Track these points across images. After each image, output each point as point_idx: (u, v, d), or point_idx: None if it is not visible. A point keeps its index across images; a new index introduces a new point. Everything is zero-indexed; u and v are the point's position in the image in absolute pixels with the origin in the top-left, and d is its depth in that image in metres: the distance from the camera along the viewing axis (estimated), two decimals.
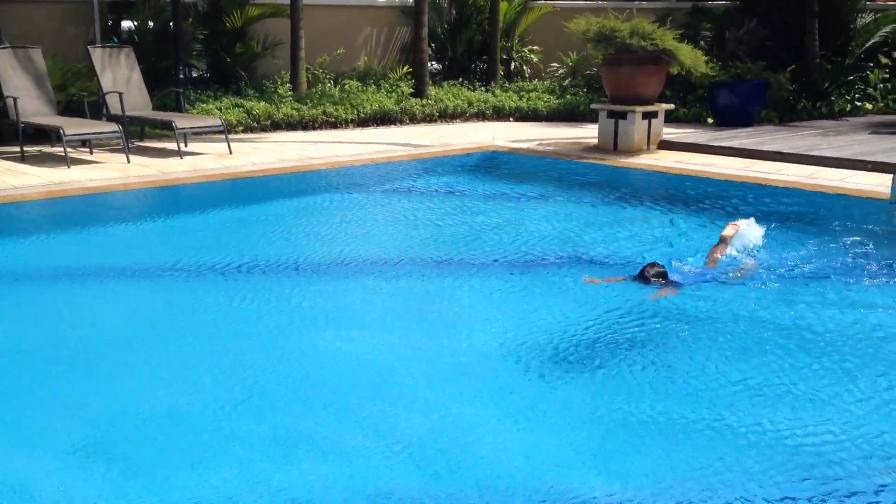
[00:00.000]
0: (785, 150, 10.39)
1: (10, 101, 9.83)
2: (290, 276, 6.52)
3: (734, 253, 6.59)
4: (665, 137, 11.53)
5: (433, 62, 16.88)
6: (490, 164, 10.90)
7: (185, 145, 10.91)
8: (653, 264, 6.17)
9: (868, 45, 14.72)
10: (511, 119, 14.86)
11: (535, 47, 17.02)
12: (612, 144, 11.26)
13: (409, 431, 4.11)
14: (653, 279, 6.02)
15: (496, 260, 6.94)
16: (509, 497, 3.55)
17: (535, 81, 16.49)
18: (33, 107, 10.14)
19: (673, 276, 6.13)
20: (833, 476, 3.68)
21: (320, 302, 6.03)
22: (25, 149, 9.96)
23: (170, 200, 8.68)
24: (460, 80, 16.07)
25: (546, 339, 5.18)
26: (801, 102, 13.96)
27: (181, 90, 11.84)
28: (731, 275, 6.25)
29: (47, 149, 10.41)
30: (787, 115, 13.77)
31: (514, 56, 16.96)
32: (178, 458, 3.83)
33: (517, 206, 9.03)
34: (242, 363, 4.89)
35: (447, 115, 14.58)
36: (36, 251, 7.21)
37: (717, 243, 6.63)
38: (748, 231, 6.81)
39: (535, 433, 4.12)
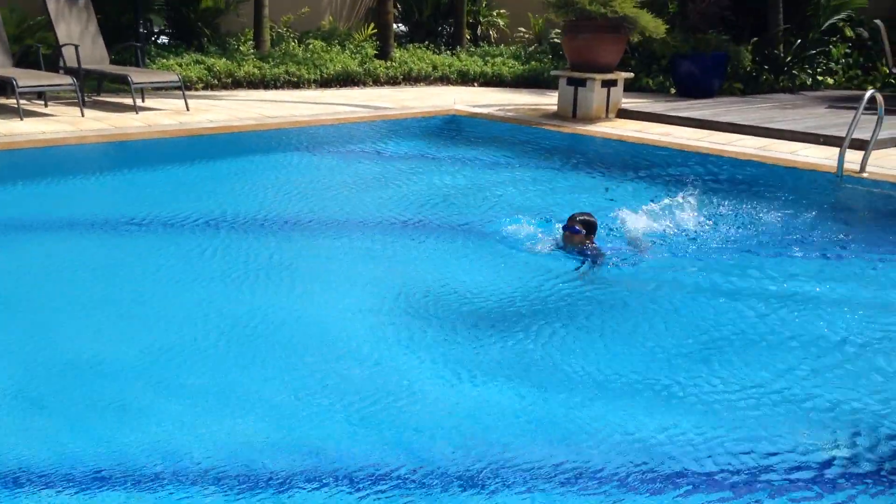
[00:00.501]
0: (739, 122, 10.49)
1: None
2: (234, 233, 6.55)
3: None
4: (624, 106, 11.59)
5: (399, 24, 16.82)
6: (448, 129, 10.93)
7: (143, 101, 10.83)
8: (583, 213, 6.12)
9: (832, 20, 14.82)
10: (475, 84, 14.85)
11: (502, 11, 16.98)
12: (572, 112, 11.31)
13: (342, 386, 4.18)
14: (573, 223, 5.98)
15: (440, 224, 7.00)
16: (433, 445, 3.64)
17: (502, 47, 16.47)
18: None
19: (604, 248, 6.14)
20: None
21: (263, 258, 6.06)
22: None
23: (121, 155, 8.63)
24: (426, 43, 16.03)
25: (480, 301, 5.26)
26: (764, 75, 14.06)
27: (140, 45, 11.71)
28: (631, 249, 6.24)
29: (2, 101, 10.29)
30: (748, 88, 13.88)
31: (481, 20, 16.92)
32: (106, 406, 3.88)
33: (470, 170, 9.09)
34: (180, 315, 4.93)
35: (411, 79, 14.55)
36: None
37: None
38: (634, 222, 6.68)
39: (464, 389, 4.21)
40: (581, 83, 11.18)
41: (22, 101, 9.58)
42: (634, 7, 10.96)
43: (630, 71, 12.52)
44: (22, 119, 9.16)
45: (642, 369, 4.40)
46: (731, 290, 5.58)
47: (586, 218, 6.09)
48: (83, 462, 3.43)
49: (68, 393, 4.02)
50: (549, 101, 12.50)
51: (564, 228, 6.06)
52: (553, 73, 12.06)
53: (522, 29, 16.69)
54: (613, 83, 11.33)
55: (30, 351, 4.43)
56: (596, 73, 11.07)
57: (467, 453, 3.60)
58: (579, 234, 6.00)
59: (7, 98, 10.20)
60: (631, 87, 13.43)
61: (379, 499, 3.27)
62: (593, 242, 6.09)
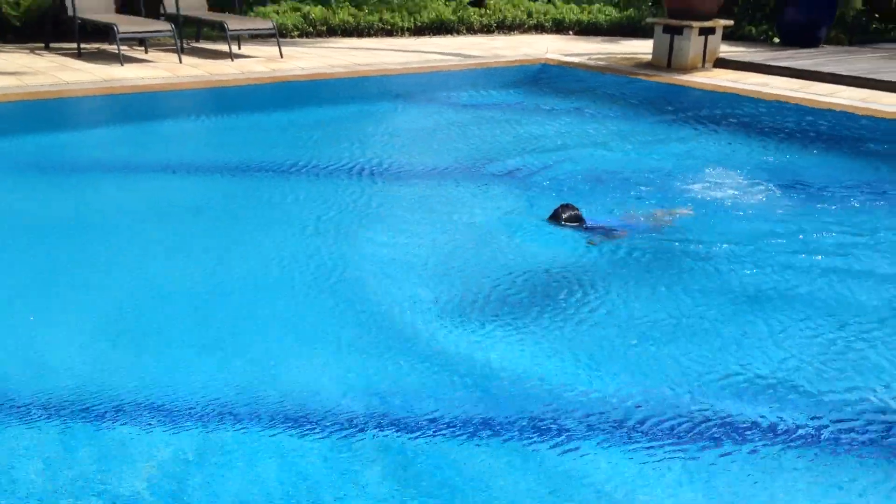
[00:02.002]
0: (841, 73, 10.07)
1: None
2: (321, 178, 6.69)
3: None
4: (722, 55, 11.25)
5: None
6: (537, 78, 10.82)
7: (239, 48, 11.04)
8: (566, 206, 5.79)
9: None
10: (571, 32, 14.63)
11: None
12: (667, 61, 11.04)
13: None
14: (565, 222, 5.68)
15: (510, 172, 7.00)
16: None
17: None
18: (91, 3, 10.33)
19: (606, 222, 5.85)
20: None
21: (348, 205, 6.17)
22: (83, 45, 10.20)
23: (215, 101, 8.87)
24: None
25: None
26: (874, 24, 13.43)
27: None
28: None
29: (104, 46, 10.64)
30: (857, 37, 13.28)
31: None
32: (201, 341, 4.08)
33: (555, 120, 9.01)
34: (268, 254, 5.09)
35: (505, 27, 14.42)
36: (81, 145, 7.51)
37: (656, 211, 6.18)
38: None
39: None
40: (678, 31, 10.89)
41: (122, 47, 9.89)
42: None
43: (733, 18, 12.11)
44: (122, 64, 9.47)
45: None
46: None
47: (573, 213, 5.76)
48: (174, 392, 3.62)
49: (165, 328, 4.22)
50: (643, 49, 12.22)
51: (558, 222, 5.73)
52: (648, 20, 11.77)
53: None
54: (711, 31, 10.99)
55: (129, 287, 4.65)
56: (694, 21, 10.75)
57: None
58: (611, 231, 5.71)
59: (109, 44, 10.55)
60: (732, 36, 13.03)
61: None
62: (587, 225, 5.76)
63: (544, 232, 5.62)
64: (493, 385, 3.78)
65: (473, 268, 5.07)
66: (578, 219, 5.73)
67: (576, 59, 11.49)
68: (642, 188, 6.61)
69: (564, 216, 5.72)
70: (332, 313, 4.44)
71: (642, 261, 5.24)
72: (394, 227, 5.71)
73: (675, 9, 10.93)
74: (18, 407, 3.48)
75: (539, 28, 14.60)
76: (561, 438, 3.41)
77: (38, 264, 4.89)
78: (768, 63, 10.79)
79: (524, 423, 3.49)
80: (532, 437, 3.41)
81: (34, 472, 3.09)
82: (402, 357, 3.98)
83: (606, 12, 14.74)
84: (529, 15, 14.61)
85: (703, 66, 10.99)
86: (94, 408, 3.49)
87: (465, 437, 3.40)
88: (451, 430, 3.44)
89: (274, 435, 3.36)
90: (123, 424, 3.39)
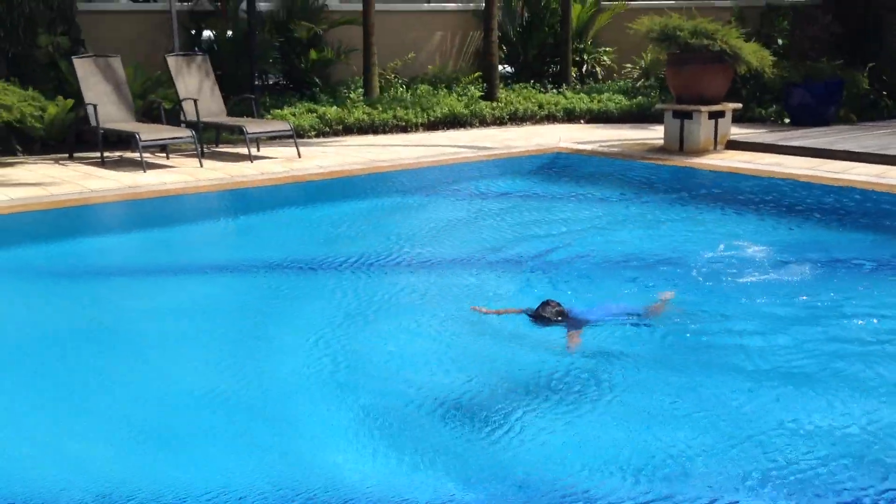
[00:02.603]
0: (854, 150, 10.16)
1: (90, 108, 10.34)
2: (345, 273, 6.76)
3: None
4: (734, 137, 11.39)
5: (505, 65, 17.01)
6: (551, 166, 10.96)
7: (258, 150, 11.28)
8: (548, 302, 5.58)
9: None
10: (582, 121, 14.85)
11: (608, 49, 16.97)
12: (678, 145, 11.18)
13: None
14: (552, 318, 5.48)
15: (516, 261, 7.04)
16: None
17: (609, 83, 16.44)
18: (112, 113, 10.64)
19: (591, 314, 5.62)
20: None
21: (373, 298, 6.20)
22: (106, 154, 10.45)
23: (236, 202, 9.03)
24: (532, 82, 16.14)
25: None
26: (883, 101, 13.58)
27: (254, 96, 12.23)
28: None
29: (127, 154, 10.90)
30: (866, 115, 13.41)
31: (587, 58, 16.94)
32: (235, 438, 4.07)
33: (572, 206, 9.09)
34: (297, 351, 5.11)
35: (517, 118, 14.67)
36: (108, 250, 7.63)
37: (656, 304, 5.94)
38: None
39: None
40: (687, 116, 11.06)
41: (145, 154, 10.13)
42: (739, 38, 10.79)
43: (740, 101, 12.30)
44: (145, 171, 9.69)
45: None
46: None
47: (557, 308, 5.56)
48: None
49: (190, 425, 4.21)
50: (655, 135, 12.39)
51: (543, 320, 5.51)
52: (658, 106, 11.97)
53: (629, 65, 16.62)
54: (721, 114, 11.15)
55: (159, 385, 4.67)
56: (702, 105, 10.93)
57: None
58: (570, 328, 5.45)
59: (131, 151, 10.80)
60: (741, 118, 13.19)
61: None
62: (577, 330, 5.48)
63: (530, 327, 5.51)
64: None
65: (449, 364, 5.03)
66: (563, 314, 5.51)
67: (588, 147, 11.65)
68: (658, 270, 6.62)
69: (548, 312, 5.50)
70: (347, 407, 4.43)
71: (620, 358, 5.01)
72: (394, 320, 5.72)
73: (683, 95, 11.12)
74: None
75: (550, 118, 14.84)
76: None
77: (64, 370, 4.92)
78: (781, 143, 10.90)
79: None
80: None
81: None
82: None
83: (616, 100, 14.98)
84: (540, 106, 14.87)
85: (715, 148, 11.11)
86: None
87: None
88: None
89: None
90: None
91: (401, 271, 6.86)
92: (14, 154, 10.76)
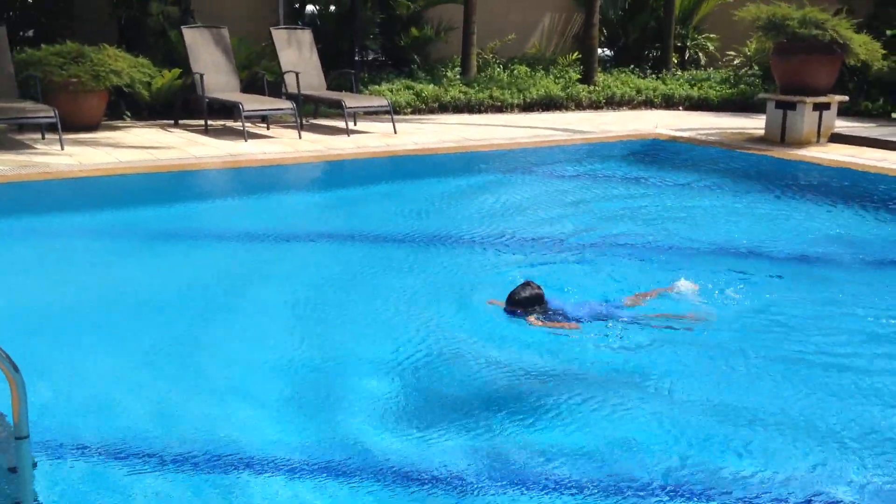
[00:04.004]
0: None
1: (196, 77, 10.66)
2: (431, 247, 6.86)
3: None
4: (838, 130, 11.07)
5: (605, 49, 16.84)
6: (646, 152, 10.85)
7: (354, 124, 11.46)
8: (527, 283, 5.25)
9: None
10: (680, 108, 14.62)
11: (711, 35, 16.64)
12: (780, 136, 10.93)
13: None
14: (515, 305, 5.17)
15: (622, 244, 7.00)
16: None
17: (710, 70, 16.13)
18: (218, 83, 10.95)
19: (578, 310, 5.30)
20: None
21: (457, 274, 6.29)
22: (210, 122, 10.77)
23: (332, 174, 9.23)
24: (631, 67, 15.95)
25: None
26: None
27: (353, 72, 12.41)
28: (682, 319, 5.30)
29: (229, 123, 11.21)
30: None
31: (689, 44, 16.64)
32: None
33: (664, 193, 9.01)
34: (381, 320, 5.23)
35: (614, 103, 14.53)
36: (206, 214, 7.90)
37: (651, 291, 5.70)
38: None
39: None
40: (791, 106, 10.79)
41: (247, 124, 10.41)
42: (849, 29, 10.47)
43: (847, 94, 11.93)
44: (246, 140, 9.96)
45: None
46: None
47: (535, 291, 5.23)
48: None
49: (281, 391, 4.38)
50: (755, 124, 12.13)
51: (515, 305, 5.22)
52: (760, 95, 11.71)
53: (732, 53, 16.27)
54: (826, 106, 10.85)
55: (247, 351, 4.85)
56: (807, 96, 10.65)
57: None
58: (519, 315, 5.19)
59: (234, 121, 11.11)
60: (847, 112, 12.78)
61: None
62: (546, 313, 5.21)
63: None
64: None
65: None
66: (539, 299, 5.19)
67: (686, 134, 11.49)
68: (752, 261, 6.53)
69: (522, 295, 5.18)
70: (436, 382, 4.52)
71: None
72: (472, 298, 5.77)
73: (788, 85, 10.85)
74: (151, 456, 3.66)
75: (648, 104, 14.65)
76: None
77: (163, 329, 5.13)
78: (887, 138, 10.56)
79: None
80: None
81: None
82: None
83: (717, 88, 14.70)
84: (638, 91, 14.69)
85: (818, 140, 10.83)
86: (224, 459, 3.65)
87: None
88: None
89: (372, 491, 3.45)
90: (242, 476, 3.53)
91: (486, 249, 6.91)
92: (123, 119, 11.18)
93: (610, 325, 5.14)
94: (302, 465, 3.67)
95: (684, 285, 5.71)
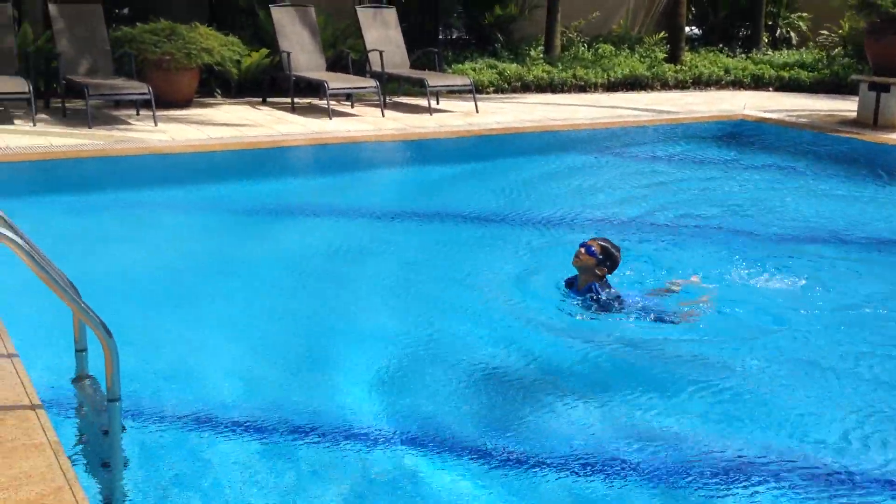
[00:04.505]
0: None
1: (284, 56, 10.87)
2: (508, 226, 6.91)
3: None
4: None
5: (693, 27, 16.55)
6: (734, 134, 10.67)
7: (437, 102, 11.54)
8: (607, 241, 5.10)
9: None
10: (770, 89, 14.30)
11: (803, 14, 16.18)
12: (873, 119, 10.62)
13: None
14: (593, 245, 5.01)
15: (697, 226, 6.92)
16: None
17: (802, 50, 15.70)
18: (304, 61, 11.15)
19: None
20: None
21: (532, 252, 6.33)
22: (296, 100, 10.98)
23: (413, 152, 9.33)
24: (720, 46, 15.64)
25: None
26: None
27: (437, 50, 12.47)
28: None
29: (315, 101, 11.41)
30: None
31: (781, 22, 16.22)
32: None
33: (752, 177, 8.86)
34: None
35: (701, 83, 14.29)
36: (291, 190, 8.10)
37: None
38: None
39: None
40: (885, 88, 10.47)
41: (332, 102, 10.58)
42: None
43: None
44: (331, 118, 10.13)
45: None
46: None
47: (607, 245, 5.03)
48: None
49: (332, 358, 4.51)
50: (848, 107, 11.79)
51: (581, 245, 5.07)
52: (853, 77, 11.39)
53: (825, 32, 15.80)
54: None
55: (330, 322, 4.99)
56: None
57: None
58: (593, 257, 4.97)
59: (319, 98, 11.30)
60: None
61: None
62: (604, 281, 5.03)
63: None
64: None
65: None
66: (609, 256, 5.02)
67: (775, 116, 11.25)
68: (839, 247, 6.40)
69: (599, 243, 5.04)
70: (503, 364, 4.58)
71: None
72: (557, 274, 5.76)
73: (882, 66, 10.52)
74: (233, 424, 3.82)
75: (736, 84, 14.36)
76: None
77: (248, 300, 5.30)
78: None
79: None
80: None
81: (243, 480, 3.38)
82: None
83: (809, 69, 14.32)
84: (727, 71, 14.41)
85: None
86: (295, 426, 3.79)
87: None
88: None
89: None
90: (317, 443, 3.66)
91: (563, 228, 6.92)
92: (213, 96, 11.48)
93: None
94: (383, 437, 3.76)
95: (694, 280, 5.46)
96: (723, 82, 14.34)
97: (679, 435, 3.77)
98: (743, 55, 15.26)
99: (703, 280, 5.44)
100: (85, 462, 3.36)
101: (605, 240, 5.13)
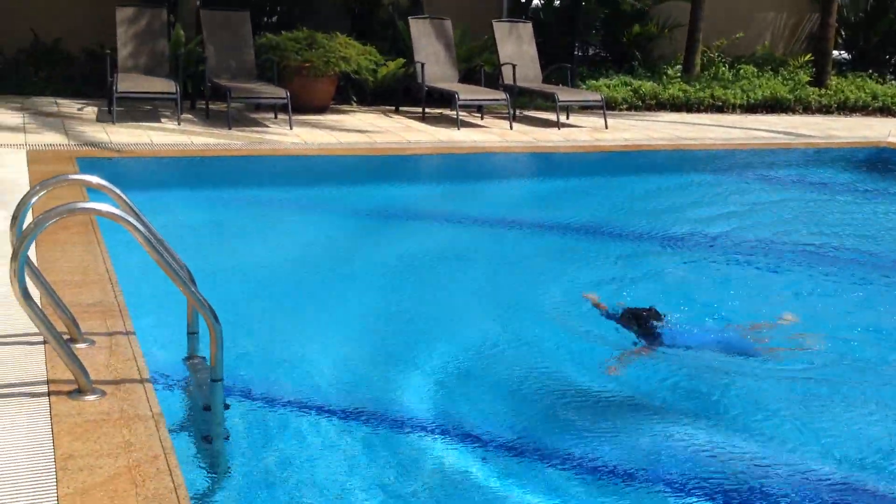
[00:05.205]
0: None
1: (418, 66, 11.12)
2: (618, 242, 6.88)
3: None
4: None
5: (842, 52, 15.95)
6: (874, 161, 10.23)
7: (567, 118, 11.54)
8: (650, 312, 4.93)
9: None
10: None
11: None
12: None
13: None
14: (641, 325, 4.84)
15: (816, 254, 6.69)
16: None
17: None
18: (437, 72, 11.37)
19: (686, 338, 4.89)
20: None
21: (656, 272, 6.27)
22: (427, 110, 11.21)
23: (536, 165, 9.38)
24: (869, 72, 15.01)
25: None
26: None
27: (570, 66, 12.47)
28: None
29: (446, 111, 11.61)
30: None
31: None
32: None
33: (882, 205, 8.49)
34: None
35: (846, 108, 13.75)
36: (412, 196, 8.29)
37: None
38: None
39: None
40: None
41: (462, 113, 10.75)
42: None
43: None
44: (459, 128, 10.30)
45: None
46: None
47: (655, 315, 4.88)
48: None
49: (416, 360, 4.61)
50: None
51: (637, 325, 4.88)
52: None
53: None
54: None
55: (437, 325, 5.11)
56: None
57: None
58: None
59: (450, 109, 11.49)
60: None
61: None
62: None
63: None
64: None
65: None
66: (653, 325, 4.85)
67: None
68: None
69: (639, 321, 4.87)
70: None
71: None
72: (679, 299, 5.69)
73: None
74: (330, 411, 3.98)
75: (885, 111, 13.75)
76: None
77: (360, 298, 5.47)
78: None
79: None
80: None
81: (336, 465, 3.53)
82: None
83: None
84: (874, 97, 13.81)
85: None
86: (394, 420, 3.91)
87: None
88: None
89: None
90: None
91: (681, 249, 6.82)
92: (349, 103, 11.85)
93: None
94: (465, 437, 3.84)
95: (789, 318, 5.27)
96: (870, 108, 13.76)
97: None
98: (893, 81, 14.60)
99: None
100: (188, 435, 3.57)
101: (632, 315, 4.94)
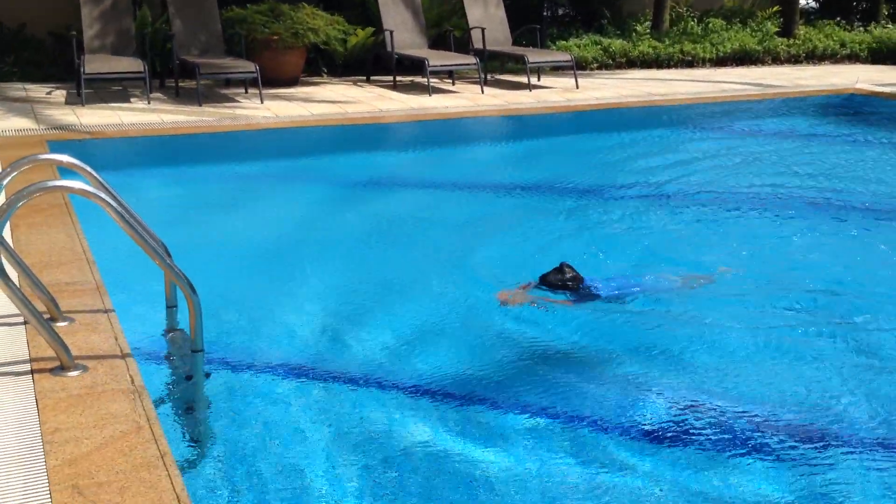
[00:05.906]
0: None
1: (387, 34, 11.09)
2: (593, 199, 6.95)
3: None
4: None
5: (809, 1, 16.02)
6: (841, 108, 10.34)
7: (538, 79, 11.57)
8: (561, 268, 4.99)
9: None
10: (890, 63, 13.73)
11: None
12: None
13: None
14: (551, 284, 4.92)
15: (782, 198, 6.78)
16: None
17: None
18: (407, 40, 11.35)
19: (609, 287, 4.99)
20: None
21: (623, 226, 6.35)
22: (398, 78, 11.21)
23: (509, 128, 9.43)
24: (837, 19, 15.09)
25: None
26: None
27: (539, 27, 12.46)
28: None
29: (417, 78, 11.61)
30: None
31: None
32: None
33: (849, 150, 8.60)
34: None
35: (815, 57, 13.85)
36: (387, 164, 8.33)
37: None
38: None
39: None
40: None
41: (433, 80, 10.76)
42: None
43: None
44: (430, 95, 10.31)
45: None
46: None
47: (571, 275, 4.97)
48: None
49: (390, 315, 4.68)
50: None
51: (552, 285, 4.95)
52: None
53: None
54: None
55: (415, 290, 5.16)
56: None
57: None
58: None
59: (421, 76, 11.49)
60: None
61: None
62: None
63: None
64: None
65: None
66: (574, 280, 4.94)
67: (889, 90, 10.84)
68: None
69: (553, 280, 4.95)
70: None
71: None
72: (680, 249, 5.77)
73: None
74: (313, 377, 4.05)
75: (853, 58, 13.87)
76: None
77: (340, 267, 5.53)
78: None
79: None
80: None
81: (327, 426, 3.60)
82: None
83: None
84: (843, 45, 13.91)
85: None
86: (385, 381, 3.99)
87: None
88: None
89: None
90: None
91: (654, 203, 6.91)
92: (320, 75, 11.82)
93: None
94: (445, 396, 3.92)
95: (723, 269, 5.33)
96: (838, 56, 13.87)
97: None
98: (861, 28, 14.69)
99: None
100: (171, 405, 3.63)
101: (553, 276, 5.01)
